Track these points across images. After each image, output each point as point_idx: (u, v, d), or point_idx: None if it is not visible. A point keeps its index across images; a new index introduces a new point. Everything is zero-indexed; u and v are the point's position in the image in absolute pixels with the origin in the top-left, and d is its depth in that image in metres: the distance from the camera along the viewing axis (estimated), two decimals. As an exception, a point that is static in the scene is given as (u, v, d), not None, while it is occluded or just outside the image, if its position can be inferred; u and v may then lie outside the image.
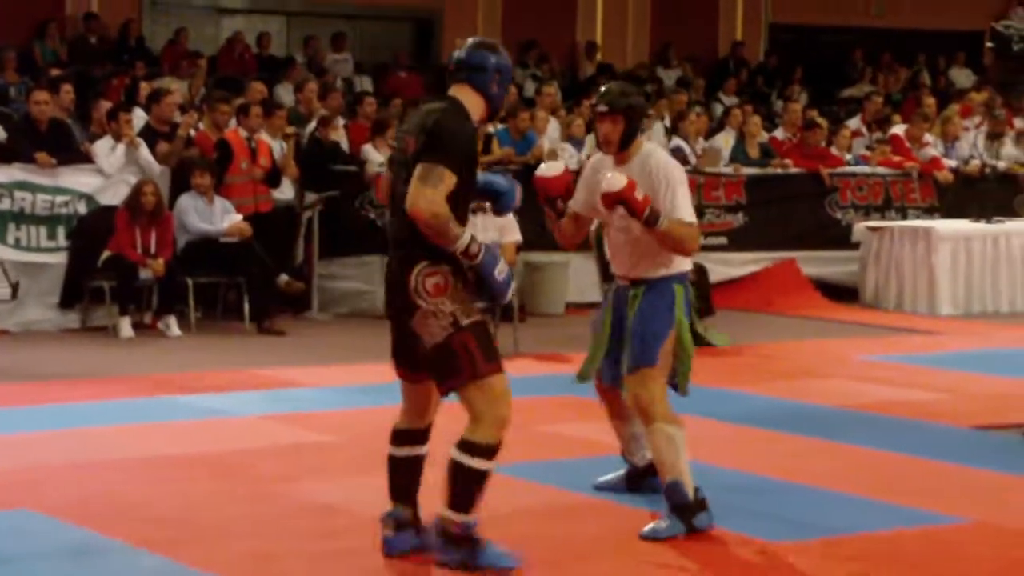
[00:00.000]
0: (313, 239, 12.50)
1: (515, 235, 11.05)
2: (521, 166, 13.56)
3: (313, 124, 13.48)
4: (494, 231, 11.11)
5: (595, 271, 11.59)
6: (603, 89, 6.04)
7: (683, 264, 6.01)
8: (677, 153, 14.42)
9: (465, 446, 5.08)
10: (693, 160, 14.65)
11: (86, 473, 6.72)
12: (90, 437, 7.58)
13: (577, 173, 6.29)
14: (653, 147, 6.07)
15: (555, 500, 6.39)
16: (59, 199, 11.61)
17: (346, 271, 12.89)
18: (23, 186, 11.49)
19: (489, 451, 5.08)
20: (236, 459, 6.99)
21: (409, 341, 5.12)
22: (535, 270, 13.16)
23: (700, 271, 11.53)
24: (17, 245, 11.49)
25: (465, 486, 5.05)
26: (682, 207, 5.84)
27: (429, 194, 4.94)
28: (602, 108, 5.90)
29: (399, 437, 5.39)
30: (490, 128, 13.90)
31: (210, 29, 18.79)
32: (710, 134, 15.67)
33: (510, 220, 11.06)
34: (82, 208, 11.70)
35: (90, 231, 11.58)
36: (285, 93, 15.47)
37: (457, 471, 5.07)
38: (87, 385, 9.20)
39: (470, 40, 5.42)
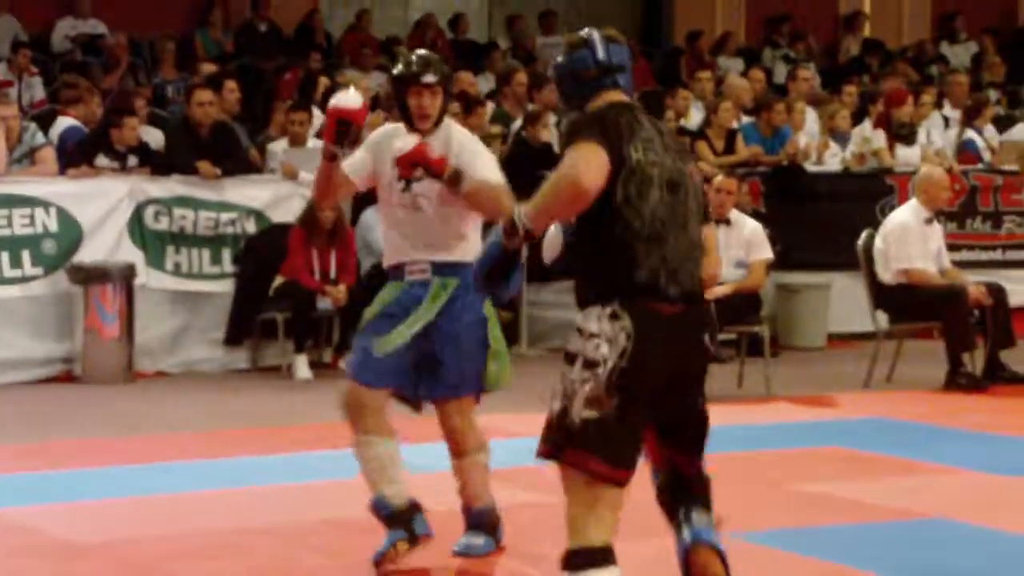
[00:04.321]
0: (520, 260, 12.59)
1: (766, 252, 10.96)
2: (771, 167, 13.48)
3: (519, 122, 13.59)
4: (737, 247, 11.04)
5: (864, 295, 11.44)
6: (421, 58, 6.45)
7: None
8: (969, 148, 14.19)
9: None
10: (988, 157, 14.38)
11: (255, 540, 6.86)
12: (261, 497, 7.74)
13: None
14: (450, 121, 6.52)
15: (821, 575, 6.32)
16: (224, 216, 11.92)
17: (560, 298, 12.94)
18: (183, 202, 11.83)
19: None
20: (435, 523, 7.05)
21: (684, 414, 4.95)
22: (790, 295, 13.04)
23: (998, 292, 11.29)
24: (176, 271, 11.82)
25: None
26: (489, 169, 6.33)
27: None
28: (429, 79, 6.34)
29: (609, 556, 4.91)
30: (734, 123, 13.84)
31: (397, 11, 19.12)
32: (1007, 123, 15.36)
33: (759, 233, 10.99)
34: (250, 227, 11.99)
35: (260, 254, 11.85)
36: (486, 84, 15.64)
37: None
38: (258, 436, 9.41)
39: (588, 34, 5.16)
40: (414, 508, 6.41)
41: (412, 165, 6.21)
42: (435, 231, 6.40)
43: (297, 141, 12.36)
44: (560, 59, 5.07)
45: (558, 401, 4.76)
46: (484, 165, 6.38)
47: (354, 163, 6.50)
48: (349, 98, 6.33)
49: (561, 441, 4.73)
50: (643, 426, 4.82)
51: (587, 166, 4.72)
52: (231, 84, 13.20)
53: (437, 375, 6.42)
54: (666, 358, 4.76)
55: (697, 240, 4.88)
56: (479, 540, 6.61)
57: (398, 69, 6.49)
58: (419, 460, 7.09)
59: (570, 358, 4.78)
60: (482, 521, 6.63)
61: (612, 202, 4.75)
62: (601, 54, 4.97)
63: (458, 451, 6.61)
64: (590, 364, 4.71)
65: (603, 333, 4.70)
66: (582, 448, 4.70)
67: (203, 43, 16.55)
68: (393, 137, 6.45)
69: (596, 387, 4.68)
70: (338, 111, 6.28)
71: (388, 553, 6.33)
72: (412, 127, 6.40)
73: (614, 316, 4.71)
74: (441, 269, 6.42)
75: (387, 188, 6.47)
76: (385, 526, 6.39)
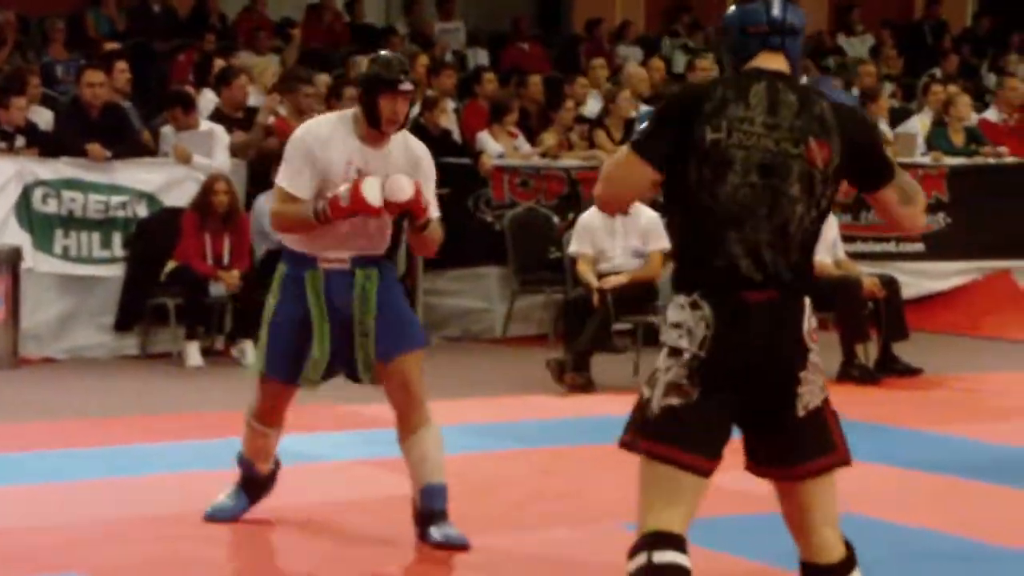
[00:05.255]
0: (417, 247, 12.56)
1: (663, 242, 11.01)
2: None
3: (417, 108, 13.56)
4: (634, 237, 11.07)
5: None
6: (399, 63, 6.39)
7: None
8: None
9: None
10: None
11: (145, 530, 6.79)
12: (150, 486, 7.67)
13: None
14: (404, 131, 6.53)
15: (711, 566, 6.33)
16: (115, 199, 11.82)
17: (457, 286, 12.94)
18: (72, 184, 11.71)
19: None
20: (324, 513, 7.03)
21: (778, 403, 4.64)
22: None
23: (891, 284, 11.40)
24: (65, 255, 11.71)
25: None
26: (433, 201, 6.49)
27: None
28: (407, 87, 6.32)
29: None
30: (632, 112, 13.87)
31: (293, -7, 19.03)
32: (902, 115, 15.54)
33: (656, 222, 11.01)
34: (142, 210, 11.90)
35: (151, 238, 11.77)
36: (384, 70, 15.57)
37: None
38: (147, 423, 9.34)
39: None
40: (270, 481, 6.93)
41: (401, 213, 6.29)
42: (371, 231, 6.38)
43: (181, 128, 12.22)
44: (731, 10, 4.68)
45: (645, 389, 4.61)
46: (430, 196, 6.43)
47: (301, 183, 6.33)
48: (405, 188, 6.22)
49: (639, 430, 4.58)
50: (728, 417, 4.63)
51: (610, 179, 4.60)
52: (122, 65, 13.07)
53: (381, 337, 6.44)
54: (749, 349, 4.51)
55: (796, 226, 4.51)
56: (454, 529, 6.42)
57: (373, 70, 6.30)
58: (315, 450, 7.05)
59: (661, 347, 4.62)
60: (442, 499, 6.44)
61: (687, 183, 4.50)
62: (776, 11, 4.61)
63: (413, 421, 6.48)
64: (673, 353, 4.53)
65: (684, 323, 4.51)
66: (657, 438, 4.54)
67: (95, 22, 16.41)
68: (328, 141, 6.34)
69: (678, 376, 4.52)
70: (399, 205, 6.22)
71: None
72: (375, 128, 6.29)
73: (695, 305, 4.50)
74: (359, 261, 6.42)
75: (326, 189, 6.30)
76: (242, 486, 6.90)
